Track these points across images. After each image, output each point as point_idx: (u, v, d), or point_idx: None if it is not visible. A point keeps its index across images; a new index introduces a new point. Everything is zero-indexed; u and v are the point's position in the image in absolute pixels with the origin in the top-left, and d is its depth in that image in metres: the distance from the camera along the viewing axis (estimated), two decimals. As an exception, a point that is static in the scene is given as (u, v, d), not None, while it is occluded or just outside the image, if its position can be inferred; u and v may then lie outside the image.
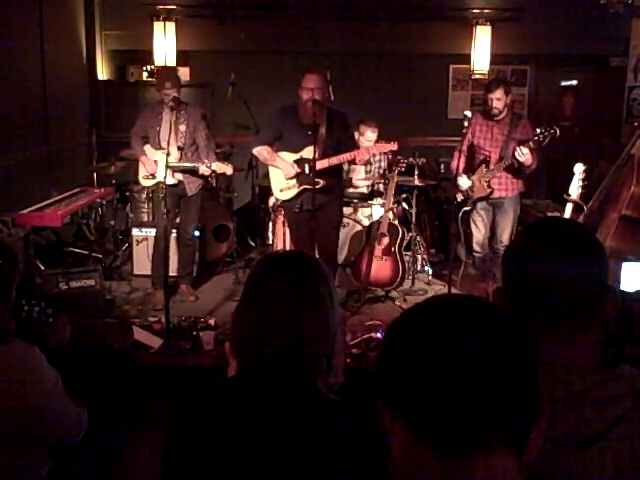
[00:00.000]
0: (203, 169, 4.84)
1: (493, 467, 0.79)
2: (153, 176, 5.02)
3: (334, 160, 4.38)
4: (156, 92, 5.02)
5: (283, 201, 4.75)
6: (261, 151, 4.64)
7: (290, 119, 4.52)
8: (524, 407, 0.81)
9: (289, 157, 4.56)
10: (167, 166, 4.53)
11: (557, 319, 1.14)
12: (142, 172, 5.11)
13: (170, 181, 4.79)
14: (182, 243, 5.34)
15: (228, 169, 4.94)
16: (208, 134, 5.09)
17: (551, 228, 1.25)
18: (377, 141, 5.34)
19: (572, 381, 1.10)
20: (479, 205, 5.07)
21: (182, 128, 4.91)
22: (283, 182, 4.61)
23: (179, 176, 4.99)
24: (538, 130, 4.58)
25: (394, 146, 4.63)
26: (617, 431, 1.07)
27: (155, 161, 4.98)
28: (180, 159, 4.91)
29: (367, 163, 4.74)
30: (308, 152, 4.35)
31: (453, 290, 4.83)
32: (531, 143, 4.57)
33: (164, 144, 4.77)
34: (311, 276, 1.42)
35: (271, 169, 4.69)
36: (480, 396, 0.78)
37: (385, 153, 6.33)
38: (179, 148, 4.90)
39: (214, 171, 4.95)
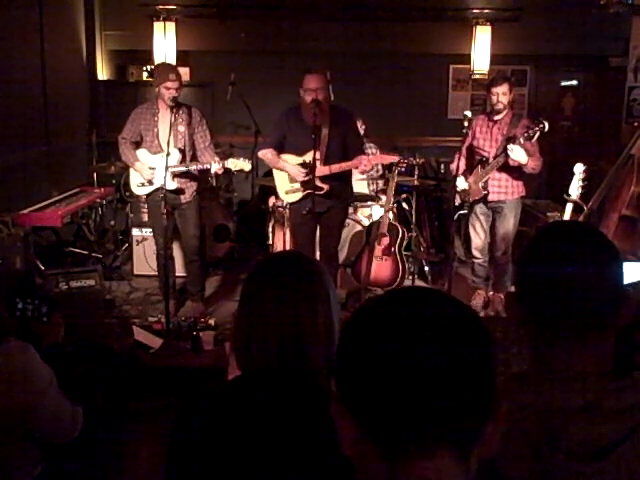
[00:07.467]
0: (215, 167, 4.50)
1: (434, 468, 0.77)
2: (150, 182, 4.62)
3: (335, 168, 4.36)
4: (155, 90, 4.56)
5: (290, 203, 4.68)
6: (265, 154, 4.58)
7: (294, 121, 4.48)
8: (475, 408, 0.77)
9: (293, 160, 4.50)
10: (169, 170, 4.31)
11: (571, 322, 1.12)
12: (135, 180, 4.71)
13: (171, 186, 4.50)
14: (187, 260, 4.97)
15: (246, 165, 4.57)
16: (208, 136, 4.73)
17: (565, 231, 1.24)
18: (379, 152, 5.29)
19: (587, 389, 1.08)
20: (478, 210, 4.95)
21: (181, 129, 4.56)
22: (287, 185, 4.57)
23: (178, 181, 4.64)
24: (527, 125, 4.52)
25: (395, 158, 4.71)
26: (632, 441, 1.05)
27: (151, 167, 4.60)
28: (181, 162, 4.57)
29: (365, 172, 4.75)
30: (310, 156, 4.29)
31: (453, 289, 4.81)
32: (521, 138, 4.46)
33: (164, 146, 4.42)
34: (309, 276, 1.43)
35: (275, 171, 4.64)
36: (425, 396, 0.75)
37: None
38: (180, 150, 4.55)
39: (228, 169, 4.61)
